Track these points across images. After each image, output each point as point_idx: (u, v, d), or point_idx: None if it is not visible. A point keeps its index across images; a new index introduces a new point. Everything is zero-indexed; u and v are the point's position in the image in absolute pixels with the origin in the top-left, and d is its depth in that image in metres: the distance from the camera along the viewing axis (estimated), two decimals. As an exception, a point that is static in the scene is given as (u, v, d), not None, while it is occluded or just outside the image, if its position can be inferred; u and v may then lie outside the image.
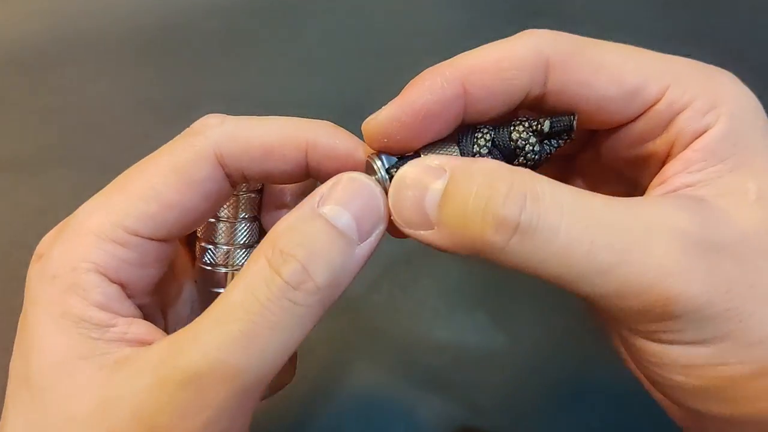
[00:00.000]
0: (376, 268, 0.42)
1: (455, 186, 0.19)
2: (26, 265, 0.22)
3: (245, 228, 0.25)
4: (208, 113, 0.23)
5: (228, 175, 0.23)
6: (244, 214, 0.26)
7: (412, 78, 0.21)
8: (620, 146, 0.24)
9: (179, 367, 0.18)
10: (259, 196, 0.26)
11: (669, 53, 0.23)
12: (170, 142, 0.23)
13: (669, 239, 0.19)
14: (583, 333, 0.29)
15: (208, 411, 0.18)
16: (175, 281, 0.27)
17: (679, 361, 0.19)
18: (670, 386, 0.20)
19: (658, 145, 0.22)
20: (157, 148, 0.24)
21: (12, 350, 0.21)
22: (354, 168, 0.22)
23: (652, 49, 0.23)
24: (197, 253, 0.26)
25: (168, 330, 0.26)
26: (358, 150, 0.23)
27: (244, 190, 0.25)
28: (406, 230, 0.21)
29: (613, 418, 0.37)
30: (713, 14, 0.51)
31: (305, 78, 0.51)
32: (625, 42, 0.22)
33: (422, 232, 0.20)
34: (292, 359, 0.26)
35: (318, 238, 0.19)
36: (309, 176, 0.24)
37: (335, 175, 0.21)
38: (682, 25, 0.50)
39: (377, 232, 0.21)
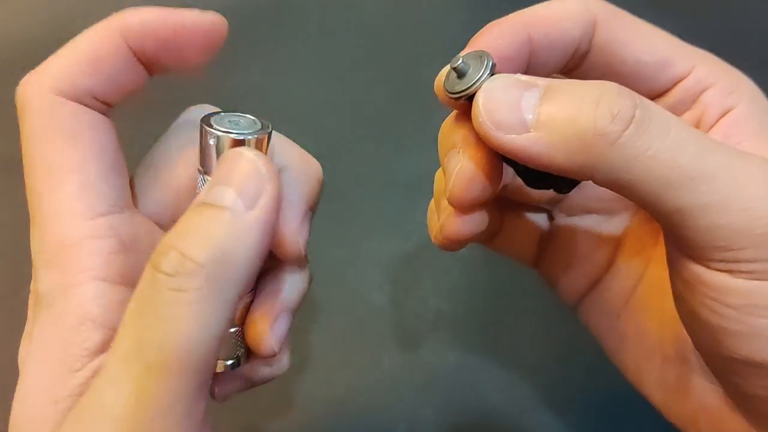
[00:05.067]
0: (377, 268, 0.42)
1: (556, 89, 0.19)
2: (25, 265, 0.22)
3: None
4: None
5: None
6: None
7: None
8: None
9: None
10: None
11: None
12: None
13: (763, 162, 0.19)
14: (584, 333, 0.29)
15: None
16: None
17: None
18: (753, 336, 0.19)
19: (686, 119, 0.24)
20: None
21: (10, 354, 0.21)
22: (174, 33, 0.22)
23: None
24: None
25: None
26: (169, 14, 0.22)
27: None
28: (496, 135, 0.19)
29: (614, 418, 0.37)
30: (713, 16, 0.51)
31: (305, 77, 0.51)
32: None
33: (514, 136, 0.19)
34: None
35: (193, 222, 0.19)
36: (152, 71, 0.24)
37: (162, 49, 0.22)
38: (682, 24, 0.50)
39: (266, 193, 0.20)
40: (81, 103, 0.21)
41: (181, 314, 0.17)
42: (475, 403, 0.37)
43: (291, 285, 0.25)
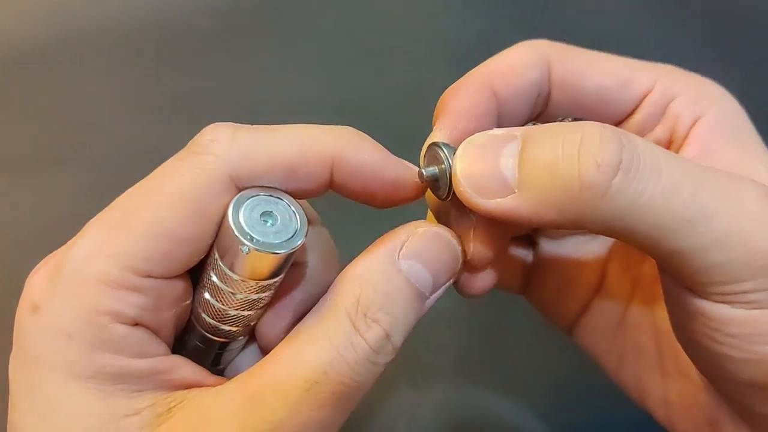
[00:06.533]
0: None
1: (534, 141, 0.18)
2: (24, 264, 0.21)
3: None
4: (206, 113, 0.21)
5: None
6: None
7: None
8: None
9: (269, 427, 0.18)
10: None
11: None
12: (173, 160, 0.19)
13: (755, 190, 0.18)
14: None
15: None
16: None
17: None
18: (755, 361, 0.19)
19: (658, 133, 0.24)
20: (155, 148, 0.22)
21: (8, 354, 0.20)
22: (382, 185, 0.21)
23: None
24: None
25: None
26: (387, 166, 0.20)
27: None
28: (479, 202, 0.19)
29: (614, 418, 0.37)
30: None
31: (304, 78, 0.51)
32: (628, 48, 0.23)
33: (499, 200, 0.18)
34: None
35: (399, 302, 0.19)
36: (329, 189, 0.21)
37: (361, 191, 0.20)
38: (683, 36, 0.50)
39: (447, 285, 0.21)
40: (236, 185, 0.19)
41: (370, 382, 0.19)
42: (473, 402, 0.37)
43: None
